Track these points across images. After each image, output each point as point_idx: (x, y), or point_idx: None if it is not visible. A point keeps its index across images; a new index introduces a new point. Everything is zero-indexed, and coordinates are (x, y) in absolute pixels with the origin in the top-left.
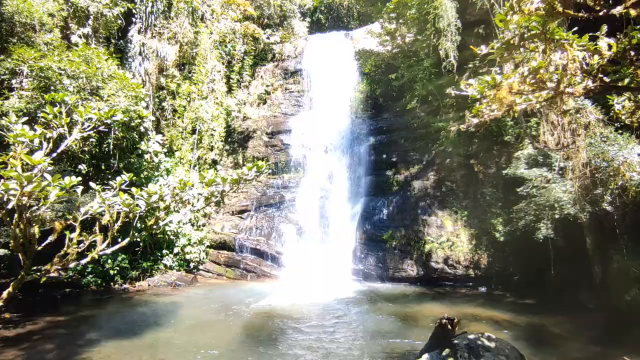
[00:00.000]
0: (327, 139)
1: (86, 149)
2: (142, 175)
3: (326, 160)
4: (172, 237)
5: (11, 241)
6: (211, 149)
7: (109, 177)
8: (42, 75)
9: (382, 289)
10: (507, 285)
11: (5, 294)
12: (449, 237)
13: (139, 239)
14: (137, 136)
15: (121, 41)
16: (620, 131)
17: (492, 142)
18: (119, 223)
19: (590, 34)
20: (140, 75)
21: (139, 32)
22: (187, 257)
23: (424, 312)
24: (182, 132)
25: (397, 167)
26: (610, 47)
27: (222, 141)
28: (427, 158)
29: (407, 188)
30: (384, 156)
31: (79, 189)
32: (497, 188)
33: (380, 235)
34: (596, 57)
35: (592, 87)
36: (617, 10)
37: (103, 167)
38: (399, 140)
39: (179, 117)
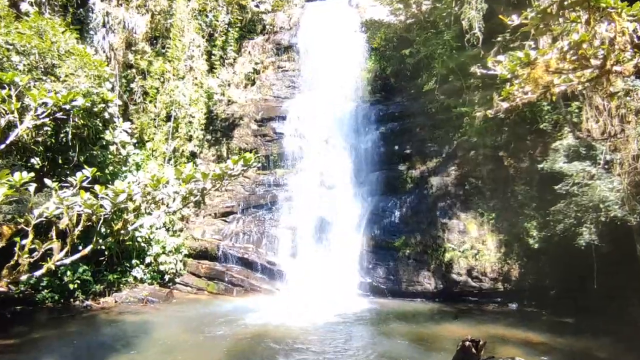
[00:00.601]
0: (327, 128)
1: (40, 139)
2: (107, 171)
3: (327, 153)
4: (143, 244)
5: None
6: (189, 139)
7: (68, 172)
8: None
9: (393, 305)
10: (542, 300)
11: None
12: (474, 244)
13: (103, 247)
14: (100, 124)
15: (81, 10)
16: None
17: (525, 130)
18: (79, 227)
19: None
20: (104, 51)
21: None
22: (161, 268)
23: (444, 333)
24: (155, 120)
25: (412, 160)
26: None
27: (202, 130)
28: (447, 150)
29: (424, 185)
30: (396, 147)
31: (32, 186)
32: (531, 185)
33: (392, 241)
34: None
35: None
36: None
37: (60, 161)
38: (413, 129)
39: (150, 102)
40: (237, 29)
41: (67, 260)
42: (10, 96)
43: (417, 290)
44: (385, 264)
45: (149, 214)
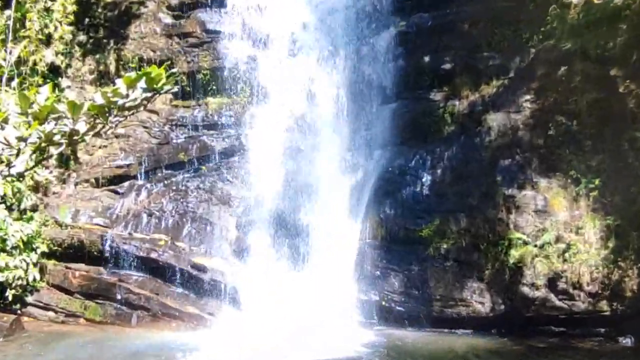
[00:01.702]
0: (303, 22)
1: None
2: None
3: (300, 68)
4: None
5: None
6: (47, 43)
7: None
8: None
9: (418, 341)
10: None
11: None
12: (561, 234)
13: None
14: None
15: None
16: None
17: None
18: None
19: None
20: None
21: None
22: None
23: None
24: None
25: (454, 83)
26: None
27: (71, 25)
28: (518, 64)
29: (475, 129)
30: (426, 59)
31: None
32: None
33: (416, 229)
34: None
35: None
36: None
37: None
38: (457, 25)
39: None
40: None
41: None
42: None
43: (460, 315)
44: (404, 269)
45: None
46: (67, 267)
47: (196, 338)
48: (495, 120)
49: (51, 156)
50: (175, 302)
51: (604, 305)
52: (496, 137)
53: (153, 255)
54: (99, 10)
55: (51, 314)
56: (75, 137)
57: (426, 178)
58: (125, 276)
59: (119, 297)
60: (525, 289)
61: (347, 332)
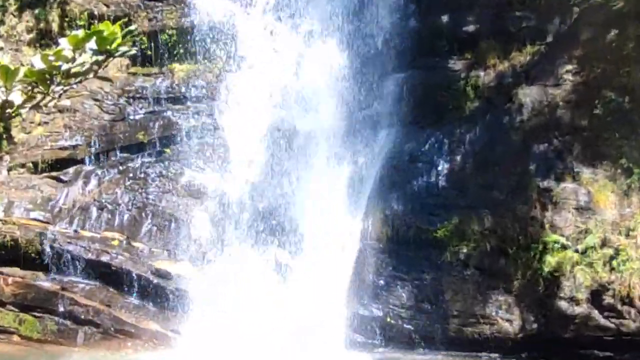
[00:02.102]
0: None
1: None
2: None
3: (290, 28)
4: None
5: None
6: None
7: None
8: None
9: None
10: None
11: None
12: (608, 236)
13: None
14: None
15: None
16: None
17: None
18: None
19: None
20: None
21: None
22: None
23: None
24: None
25: (478, 49)
26: None
27: None
28: (557, 26)
29: (503, 106)
30: (444, 20)
31: None
32: None
33: (429, 228)
34: None
35: None
36: None
37: None
38: None
39: None
40: None
41: None
42: None
43: (483, 335)
44: (414, 278)
45: None
46: None
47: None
48: (528, 95)
49: None
50: (131, 317)
51: None
52: (530, 117)
53: (104, 258)
54: None
55: None
56: (9, 111)
57: (443, 166)
58: (70, 284)
59: (61, 309)
60: (563, 304)
61: (342, 355)
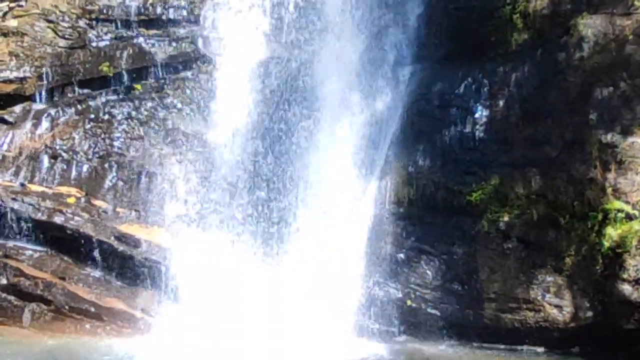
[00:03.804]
0: None
1: None
2: None
3: None
4: None
5: None
6: None
7: None
8: None
9: None
10: None
11: None
12: None
13: None
14: None
15: None
16: None
17: None
18: None
19: None
20: None
21: None
22: None
23: None
24: None
25: None
26: None
27: None
28: None
29: (558, 40)
30: None
31: None
32: None
33: (463, 190)
34: None
35: None
36: None
37: None
38: None
39: None
40: None
41: None
42: None
43: (525, 324)
44: (442, 252)
45: None
46: None
47: (124, 348)
48: (590, 26)
49: None
50: (90, 292)
51: None
52: (591, 53)
53: (58, 219)
54: None
55: None
56: None
57: (481, 113)
58: (15, 250)
59: (3, 281)
60: (626, 288)
61: (351, 346)
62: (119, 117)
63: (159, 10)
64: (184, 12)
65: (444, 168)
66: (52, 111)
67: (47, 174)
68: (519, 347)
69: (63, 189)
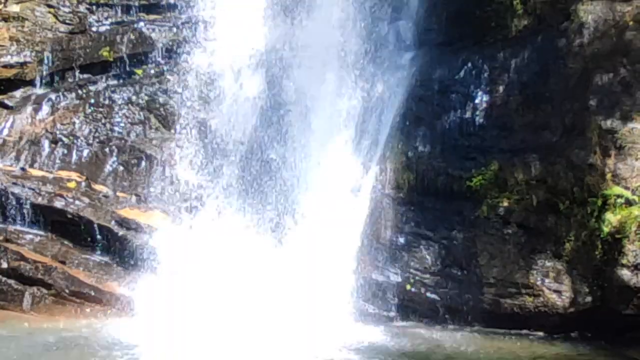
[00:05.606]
0: None
1: None
2: None
3: None
4: None
5: None
6: None
7: None
8: None
9: (459, 347)
10: None
11: None
12: None
13: None
14: None
15: None
16: None
17: None
18: None
19: None
20: None
21: None
22: None
23: None
24: None
25: None
26: None
27: None
28: None
29: (558, 25)
30: None
31: None
32: None
33: (463, 175)
34: None
35: None
36: None
37: None
38: None
39: None
40: None
41: None
42: None
43: (524, 309)
44: (442, 237)
45: None
46: None
47: (123, 330)
48: (591, 12)
49: None
50: (90, 276)
51: None
52: (592, 40)
53: (58, 203)
54: None
55: None
56: None
57: (481, 99)
58: (15, 234)
59: (4, 265)
60: (625, 273)
61: (348, 330)
62: (119, 102)
63: None
64: None
65: (443, 153)
66: (53, 96)
67: (48, 159)
68: (519, 332)
69: (63, 174)
